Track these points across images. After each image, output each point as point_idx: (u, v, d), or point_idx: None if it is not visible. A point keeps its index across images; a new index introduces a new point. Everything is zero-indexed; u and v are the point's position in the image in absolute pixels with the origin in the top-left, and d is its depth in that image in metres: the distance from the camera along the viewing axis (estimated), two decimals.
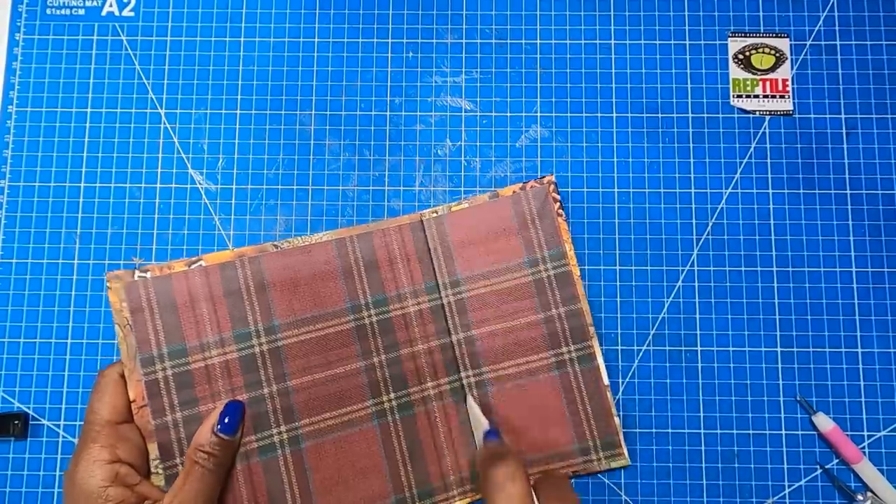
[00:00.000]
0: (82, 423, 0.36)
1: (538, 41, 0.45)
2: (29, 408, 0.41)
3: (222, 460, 0.36)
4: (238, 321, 0.39)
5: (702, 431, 0.41)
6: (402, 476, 0.38)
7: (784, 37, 0.45)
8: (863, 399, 0.41)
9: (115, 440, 0.35)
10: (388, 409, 0.39)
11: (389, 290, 0.40)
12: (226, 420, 0.36)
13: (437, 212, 0.41)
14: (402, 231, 0.41)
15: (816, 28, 0.45)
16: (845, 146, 0.43)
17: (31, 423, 0.41)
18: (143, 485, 0.35)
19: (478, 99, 0.44)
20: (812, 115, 0.44)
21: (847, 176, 0.43)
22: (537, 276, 0.40)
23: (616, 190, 0.43)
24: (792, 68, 0.44)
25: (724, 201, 0.43)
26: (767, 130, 0.44)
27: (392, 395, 0.39)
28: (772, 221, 0.43)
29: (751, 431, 0.41)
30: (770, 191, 0.43)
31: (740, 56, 0.44)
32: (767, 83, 0.44)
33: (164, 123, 0.44)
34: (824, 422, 0.40)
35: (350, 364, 0.39)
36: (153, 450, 0.37)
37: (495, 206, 0.41)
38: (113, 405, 0.36)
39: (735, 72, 0.44)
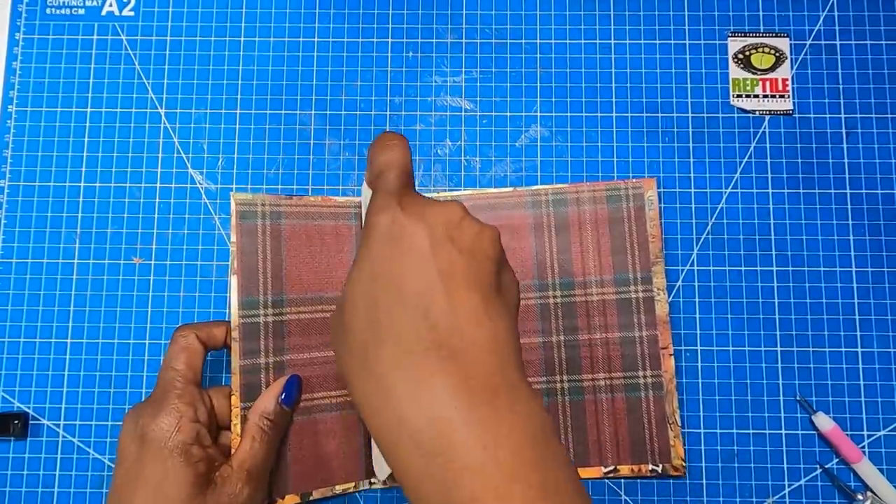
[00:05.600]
0: (158, 378, 0.35)
1: (538, 41, 0.45)
2: (29, 408, 0.41)
3: (282, 428, 0.37)
4: None
5: (702, 431, 0.41)
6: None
7: (784, 36, 0.45)
8: (863, 399, 0.41)
9: (196, 400, 0.35)
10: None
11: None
12: (290, 392, 0.37)
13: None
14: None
15: (816, 28, 0.45)
16: (845, 146, 0.43)
17: (31, 423, 0.41)
18: (212, 447, 0.35)
19: (478, 99, 0.44)
20: (812, 115, 0.44)
21: (847, 176, 0.43)
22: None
23: None
24: (792, 68, 0.44)
25: (724, 201, 0.43)
26: (767, 130, 0.44)
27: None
28: (772, 221, 0.43)
29: (751, 431, 0.41)
30: (770, 190, 0.43)
31: (740, 56, 0.44)
32: (767, 83, 0.44)
33: (164, 123, 0.44)
34: (824, 421, 0.40)
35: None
36: (236, 387, 0.37)
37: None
38: (190, 365, 0.35)
39: (735, 72, 0.44)
